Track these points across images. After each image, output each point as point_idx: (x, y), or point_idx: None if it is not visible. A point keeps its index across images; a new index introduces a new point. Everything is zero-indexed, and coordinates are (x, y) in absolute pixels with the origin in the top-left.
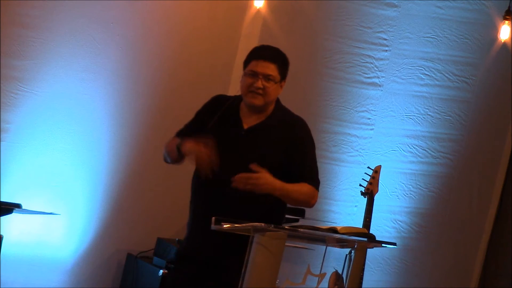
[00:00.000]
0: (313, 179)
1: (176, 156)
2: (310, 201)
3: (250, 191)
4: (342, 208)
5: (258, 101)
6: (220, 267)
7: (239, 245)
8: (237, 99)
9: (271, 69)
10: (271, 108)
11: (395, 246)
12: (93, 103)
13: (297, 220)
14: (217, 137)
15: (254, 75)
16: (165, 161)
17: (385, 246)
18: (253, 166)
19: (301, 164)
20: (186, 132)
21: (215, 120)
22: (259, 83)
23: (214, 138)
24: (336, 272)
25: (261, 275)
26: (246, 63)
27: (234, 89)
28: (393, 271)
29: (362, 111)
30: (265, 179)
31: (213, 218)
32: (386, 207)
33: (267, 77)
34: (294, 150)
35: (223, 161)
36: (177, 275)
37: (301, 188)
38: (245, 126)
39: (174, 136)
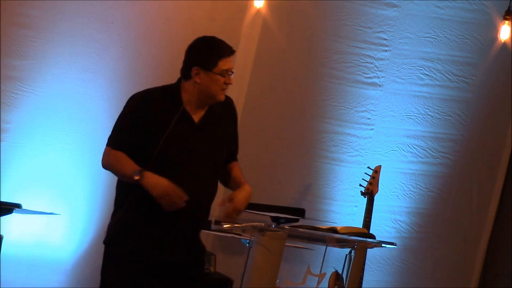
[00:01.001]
0: (236, 153)
1: (127, 180)
2: None
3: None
4: (342, 208)
5: (224, 96)
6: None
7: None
8: (177, 93)
9: (233, 62)
10: None
11: (395, 246)
12: (93, 103)
13: (297, 220)
14: (170, 134)
15: (227, 72)
16: (106, 169)
17: (385, 246)
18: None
19: (236, 142)
20: (126, 139)
21: (171, 121)
22: (231, 80)
23: (168, 136)
24: (336, 272)
25: (261, 275)
26: (213, 62)
27: (234, 89)
28: (393, 271)
29: (362, 111)
30: (240, 198)
31: (213, 218)
32: (386, 207)
33: (231, 71)
34: (234, 129)
35: (183, 159)
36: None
37: (240, 171)
38: (196, 120)
39: (114, 148)
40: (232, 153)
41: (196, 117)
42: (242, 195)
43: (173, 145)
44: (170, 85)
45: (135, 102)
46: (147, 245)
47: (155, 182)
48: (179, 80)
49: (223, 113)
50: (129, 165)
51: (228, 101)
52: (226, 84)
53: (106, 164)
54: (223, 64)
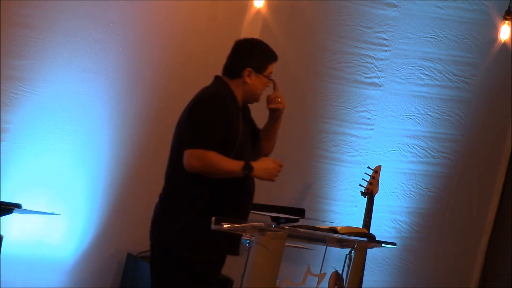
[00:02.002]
0: None
1: (232, 177)
2: None
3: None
4: (342, 208)
5: None
6: None
7: None
8: (232, 91)
9: None
10: None
11: (395, 246)
12: (93, 103)
13: (297, 220)
14: (242, 136)
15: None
16: (198, 173)
17: (385, 246)
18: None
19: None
20: (217, 141)
21: (240, 122)
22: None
23: (240, 136)
24: (336, 272)
25: (261, 275)
26: (264, 65)
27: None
28: (393, 271)
29: (362, 111)
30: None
31: (213, 218)
32: (386, 207)
33: None
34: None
35: (248, 156)
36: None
37: None
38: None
39: (207, 149)
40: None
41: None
42: None
43: (240, 142)
44: (222, 84)
45: (215, 103)
46: (219, 256)
47: (262, 166)
48: (223, 78)
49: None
50: (232, 162)
51: None
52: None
53: (201, 164)
54: (270, 68)
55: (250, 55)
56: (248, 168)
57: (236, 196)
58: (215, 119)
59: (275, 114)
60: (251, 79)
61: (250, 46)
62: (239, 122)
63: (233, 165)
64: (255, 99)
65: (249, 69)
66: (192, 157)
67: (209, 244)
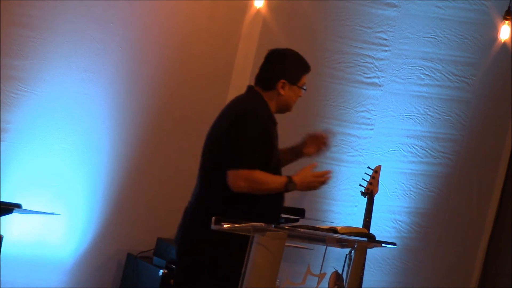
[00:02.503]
0: None
1: (278, 191)
2: None
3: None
4: (342, 208)
5: None
6: None
7: None
8: (267, 104)
9: None
10: None
11: (395, 246)
12: (93, 103)
13: (297, 220)
14: (275, 146)
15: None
16: (244, 192)
17: (385, 246)
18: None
19: None
20: (261, 159)
21: (275, 134)
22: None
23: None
24: (336, 272)
25: (261, 275)
26: (298, 76)
27: (233, 89)
28: (393, 271)
29: (362, 111)
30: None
31: (213, 218)
32: (386, 207)
33: None
34: None
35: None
36: None
37: None
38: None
39: (253, 169)
40: None
41: None
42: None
43: (276, 156)
44: (258, 97)
45: (257, 120)
46: None
47: (304, 182)
48: (256, 89)
49: None
50: (276, 179)
51: None
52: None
53: (250, 185)
54: (304, 79)
55: (284, 66)
56: (291, 185)
57: (273, 205)
58: (257, 137)
59: (303, 155)
60: (285, 91)
61: (283, 57)
62: (275, 136)
63: (278, 182)
64: (288, 109)
65: (283, 80)
66: (238, 179)
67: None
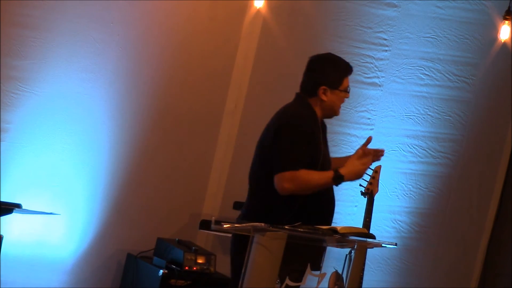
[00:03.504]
0: None
1: (324, 187)
2: None
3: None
4: (342, 208)
5: None
6: None
7: None
8: (315, 114)
9: None
10: None
11: (395, 246)
12: (93, 103)
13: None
14: (321, 150)
15: (347, 90)
16: (292, 193)
17: (385, 246)
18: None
19: None
20: (304, 162)
21: (321, 140)
22: (348, 94)
23: (321, 152)
24: (336, 272)
25: (261, 275)
26: (339, 80)
27: (234, 89)
28: (393, 271)
29: (362, 111)
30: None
31: (213, 218)
32: (386, 207)
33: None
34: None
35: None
36: None
37: None
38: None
39: (296, 169)
40: None
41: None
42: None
43: (325, 163)
44: (304, 103)
45: (300, 126)
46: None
47: (352, 172)
48: (303, 96)
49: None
50: (322, 175)
51: None
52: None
53: (294, 185)
54: (346, 82)
55: (323, 72)
56: (339, 178)
57: (319, 210)
58: (299, 140)
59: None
60: (327, 96)
61: (322, 63)
62: (321, 140)
63: (325, 177)
64: (334, 113)
65: (323, 87)
66: (283, 181)
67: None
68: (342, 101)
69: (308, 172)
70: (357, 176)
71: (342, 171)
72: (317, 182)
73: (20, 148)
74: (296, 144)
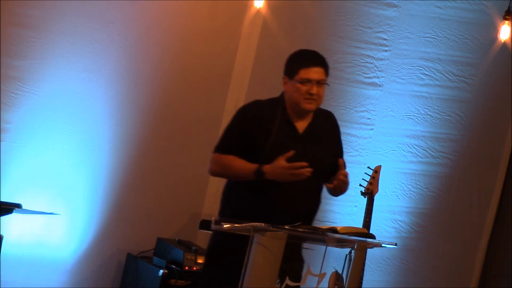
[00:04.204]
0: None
1: (248, 179)
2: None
3: (337, 187)
4: (342, 208)
5: (314, 106)
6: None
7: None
8: (282, 103)
9: (322, 73)
10: None
11: (395, 246)
12: (93, 103)
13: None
14: (276, 142)
15: (309, 81)
16: (216, 176)
17: (385, 246)
18: (341, 161)
19: (341, 153)
20: (234, 145)
21: (276, 130)
22: (315, 89)
23: (275, 144)
24: (336, 272)
25: (261, 275)
26: (294, 71)
27: (234, 89)
28: (393, 271)
29: (362, 111)
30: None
31: (213, 218)
32: (386, 207)
33: (320, 82)
34: (338, 140)
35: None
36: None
37: None
38: (300, 130)
39: (223, 153)
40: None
41: (300, 127)
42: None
43: (278, 153)
44: (281, 95)
45: (244, 110)
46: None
47: (274, 171)
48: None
49: (327, 126)
50: (245, 165)
51: (330, 114)
52: (310, 94)
53: (218, 168)
54: (304, 73)
55: (286, 63)
56: (259, 173)
57: (275, 200)
58: (234, 126)
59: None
60: (287, 86)
61: (290, 55)
62: (272, 130)
63: (246, 169)
64: (297, 106)
65: (284, 76)
66: (210, 162)
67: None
68: (304, 95)
69: (233, 158)
70: (281, 177)
71: (266, 168)
72: (237, 170)
73: (20, 148)
74: (231, 129)
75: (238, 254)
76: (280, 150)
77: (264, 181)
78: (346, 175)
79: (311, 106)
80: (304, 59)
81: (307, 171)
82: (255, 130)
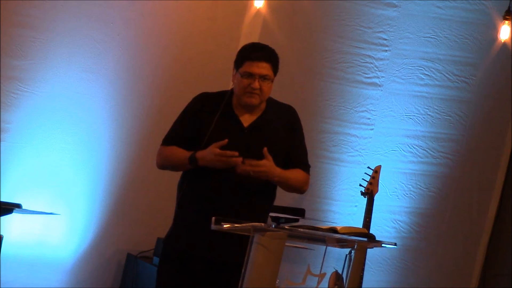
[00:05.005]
0: (306, 164)
1: (187, 168)
2: (304, 187)
3: (254, 177)
4: (342, 208)
5: (256, 100)
6: (227, 264)
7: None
8: (228, 96)
9: (266, 69)
10: (263, 103)
11: (395, 246)
12: (93, 103)
13: (297, 220)
14: (217, 134)
15: (250, 76)
16: (163, 169)
17: (385, 246)
18: (265, 150)
19: (297, 151)
20: (178, 137)
21: (217, 119)
22: (256, 84)
23: (215, 135)
24: (336, 272)
25: (261, 275)
26: (239, 63)
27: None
28: (393, 271)
29: (362, 111)
30: (267, 166)
31: (213, 218)
32: (386, 207)
33: (264, 77)
34: (292, 138)
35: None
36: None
37: (297, 175)
38: (244, 123)
39: (166, 145)
40: (292, 161)
41: (246, 121)
42: (268, 163)
43: (207, 140)
44: (228, 90)
45: (190, 102)
46: (198, 243)
47: (205, 158)
48: None
49: (277, 120)
50: (182, 154)
51: (287, 109)
52: (252, 88)
53: (160, 160)
54: (247, 67)
55: (237, 54)
56: (192, 159)
57: (205, 189)
58: (180, 118)
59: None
60: (234, 79)
61: (242, 46)
62: (213, 122)
63: (183, 157)
64: (239, 99)
65: (233, 69)
66: (156, 154)
67: (188, 231)
68: (245, 88)
69: (173, 149)
70: (211, 164)
71: (198, 154)
72: (176, 159)
73: (20, 148)
74: (176, 121)
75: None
76: (211, 142)
77: (202, 170)
78: (257, 165)
79: (252, 100)
80: (250, 52)
81: (238, 160)
82: (198, 122)
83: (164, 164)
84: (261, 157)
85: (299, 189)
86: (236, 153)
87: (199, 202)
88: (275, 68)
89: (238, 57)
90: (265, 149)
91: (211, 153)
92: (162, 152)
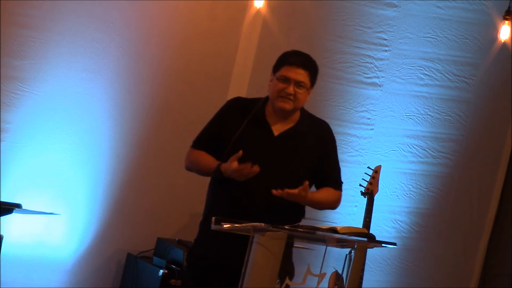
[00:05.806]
0: (338, 182)
1: (212, 175)
2: (335, 205)
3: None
4: (342, 208)
5: (289, 105)
6: None
7: None
8: (262, 102)
9: (303, 75)
10: (298, 113)
11: (395, 246)
12: (93, 103)
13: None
14: (246, 141)
15: (286, 80)
16: (189, 170)
17: (385, 246)
18: (305, 184)
19: (329, 168)
20: (207, 139)
21: (245, 124)
22: (291, 89)
23: (244, 141)
24: (336, 272)
25: (261, 275)
26: (277, 67)
27: (234, 89)
28: (393, 271)
29: (362, 111)
30: (301, 197)
31: (213, 218)
32: (386, 207)
33: (299, 83)
34: (325, 155)
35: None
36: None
37: (328, 196)
38: (275, 132)
39: (196, 147)
40: (324, 177)
41: (277, 130)
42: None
43: (245, 152)
44: (262, 97)
45: (223, 107)
46: (217, 250)
47: (227, 171)
48: None
49: (309, 133)
50: (210, 161)
51: (321, 123)
52: (286, 93)
53: (188, 163)
54: (284, 71)
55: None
56: (217, 171)
57: (235, 200)
58: (211, 122)
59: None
60: (271, 82)
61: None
62: (248, 126)
63: (209, 165)
64: (273, 103)
65: (271, 72)
66: (186, 156)
67: (209, 238)
68: (280, 92)
69: (201, 154)
70: (235, 176)
71: (222, 167)
72: (203, 166)
73: (20, 148)
74: (207, 125)
75: (210, 257)
76: (247, 149)
77: (227, 180)
78: (304, 190)
79: (285, 105)
80: (291, 57)
81: (255, 170)
82: (228, 126)
83: (190, 168)
84: (288, 167)
85: (330, 208)
86: (254, 166)
87: (228, 210)
88: (312, 77)
89: (278, 61)
90: (306, 183)
91: (228, 169)
92: (190, 155)
